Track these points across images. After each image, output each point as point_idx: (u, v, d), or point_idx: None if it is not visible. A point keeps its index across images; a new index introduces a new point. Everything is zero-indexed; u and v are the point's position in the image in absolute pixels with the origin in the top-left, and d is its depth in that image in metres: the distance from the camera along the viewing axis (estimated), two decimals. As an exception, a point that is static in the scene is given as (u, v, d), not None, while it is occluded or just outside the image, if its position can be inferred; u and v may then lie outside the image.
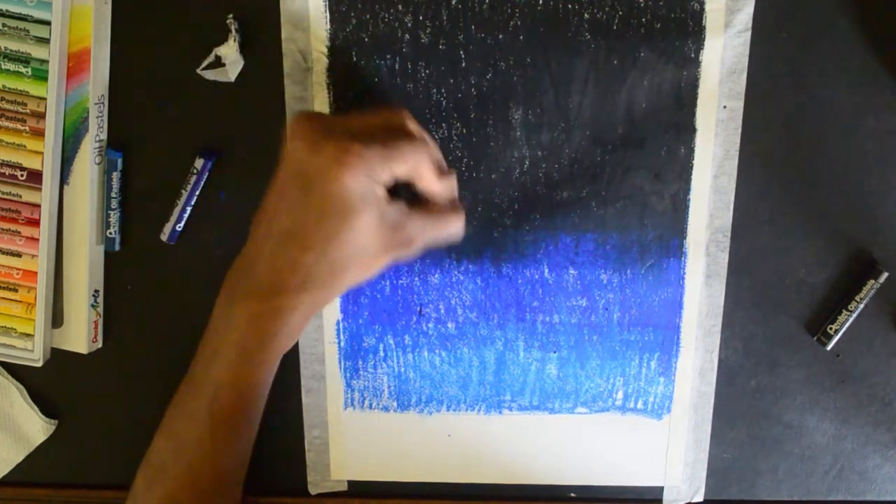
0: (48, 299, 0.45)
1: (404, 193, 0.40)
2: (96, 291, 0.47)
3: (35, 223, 0.44)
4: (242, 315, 0.40)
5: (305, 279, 0.39)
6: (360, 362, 0.48)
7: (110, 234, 0.46)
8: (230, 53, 0.43)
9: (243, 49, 0.43)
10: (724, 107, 0.43)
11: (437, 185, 0.40)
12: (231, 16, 0.43)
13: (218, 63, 0.43)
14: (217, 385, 0.41)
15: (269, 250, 0.39)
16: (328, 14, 0.43)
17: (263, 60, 0.44)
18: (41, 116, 0.43)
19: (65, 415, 0.50)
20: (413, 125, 0.40)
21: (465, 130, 0.44)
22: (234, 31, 0.42)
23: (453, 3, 0.42)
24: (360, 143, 0.37)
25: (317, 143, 0.37)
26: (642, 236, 0.45)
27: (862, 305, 0.45)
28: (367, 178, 0.37)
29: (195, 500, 0.42)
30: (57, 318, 0.46)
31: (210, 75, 0.43)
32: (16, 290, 0.45)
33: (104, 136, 0.45)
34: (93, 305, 0.47)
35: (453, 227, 0.42)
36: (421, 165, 0.39)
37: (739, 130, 0.44)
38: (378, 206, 0.38)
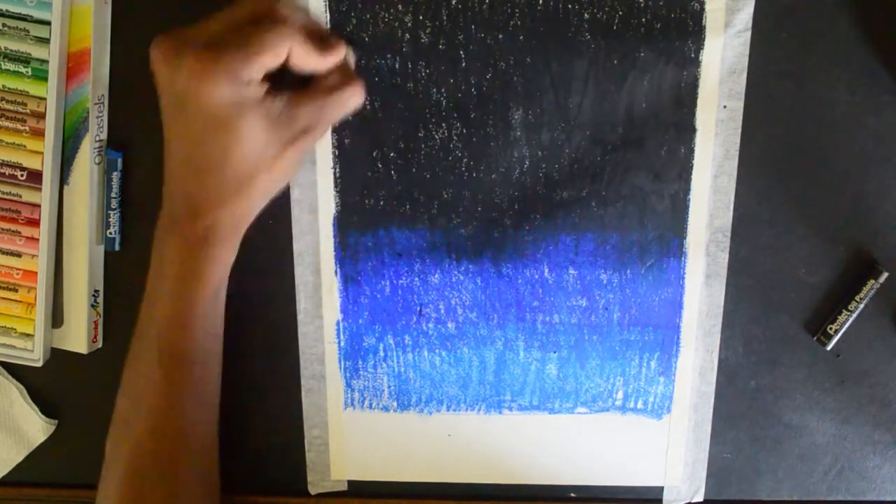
0: (48, 299, 0.45)
1: (290, 77, 0.39)
2: (96, 291, 0.47)
3: (35, 223, 0.44)
4: (172, 247, 0.40)
5: (217, 197, 0.39)
6: (360, 362, 0.48)
7: (110, 234, 0.46)
8: None
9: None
10: (724, 107, 0.43)
11: (316, 61, 0.39)
12: None
13: None
14: (160, 324, 0.41)
15: (176, 180, 0.40)
16: (328, 14, 0.43)
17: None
18: (41, 116, 0.43)
19: (65, 415, 0.50)
20: (281, 7, 0.39)
21: (465, 130, 0.44)
22: None
23: (453, 3, 0.42)
24: (215, 49, 0.36)
25: (174, 61, 0.37)
26: (642, 236, 0.45)
27: (862, 305, 0.45)
28: (231, 83, 0.36)
29: (161, 451, 0.42)
30: (57, 318, 0.46)
31: None
32: (16, 290, 0.45)
33: (104, 136, 0.45)
34: (93, 305, 0.47)
35: (350, 100, 0.41)
36: (291, 48, 0.38)
37: (739, 130, 0.44)
38: (257, 107, 0.37)
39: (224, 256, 0.41)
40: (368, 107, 0.44)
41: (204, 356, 0.42)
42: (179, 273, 0.40)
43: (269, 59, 0.38)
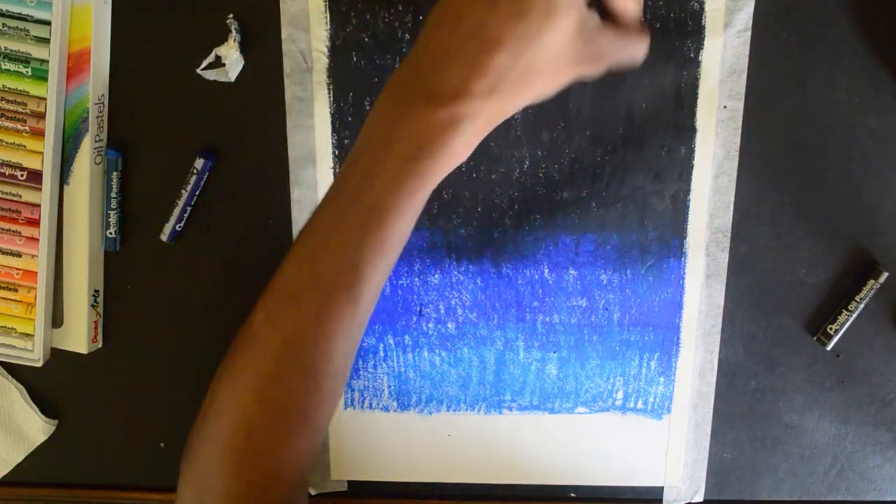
0: (48, 299, 0.45)
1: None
2: (96, 291, 0.47)
3: (35, 223, 0.44)
4: (417, 124, 0.34)
5: (495, 84, 0.34)
6: (360, 362, 0.48)
7: (110, 234, 0.46)
8: (230, 53, 0.43)
9: (243, 49, 0.43)
10: (724, 107, 0.43)
11: (631, 2, 0.37)
12: (231, 16, 0.43)
13: (218, 63, 0.43)
14: (375, 208, 0.35)
15: (454, 49, 0.34)
16: (328, 14, 0.43)
17: (263, 60, 0.44)
18: (41, 116, 0.43)
19: (65, 415, 0.50)
20: None
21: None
22: (234, 31, 0.42)
23: (453, 3, 0.42)
24: None
25: None
26: (642, 236, 0.45)
27: (862, 305, 0.45)
28: None
29: (323, 342, 0.36)
30: (57, 318, 0.46)
31: (210, 75, 0.43)
32: (16, 290, 0.45)
33: (104, 136, 0.45)
34: (93, 305, 0.47)
35: (639, 49, 0.38)
36: None
37: (739, 130, 0.44)
38: (580, 12, 0.34)
39: (465, 151, 0.36)
40: (368, 107, 0.44)
41: (397, 252, 0.37)
42: (416, 155, 0.34)
43: None
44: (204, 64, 0.43)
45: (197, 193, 0.45)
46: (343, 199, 0.36)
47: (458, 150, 0.35)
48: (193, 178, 0.45)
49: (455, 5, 0.35)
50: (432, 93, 0.34)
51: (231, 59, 0.43)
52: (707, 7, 0.42)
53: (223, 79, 0.43)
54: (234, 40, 0.43)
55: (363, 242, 0.35)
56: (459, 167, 0.44)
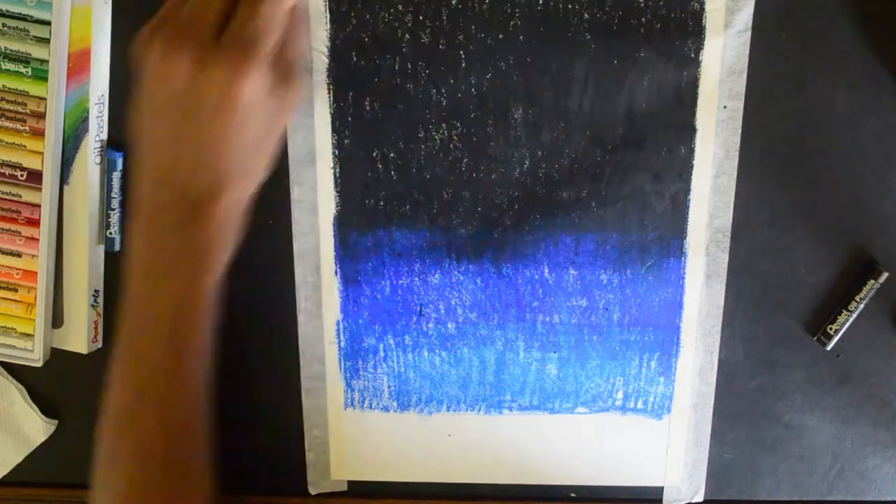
0: (48, 299, 0.45)
1: None
2: (96, 291, 0.47)
3: (35, 223, 0.44)
4: (173, 235, 0.39)
5: (229, 178, 0.39)
6: (360, 362, 0.48)
7: (110, 234, 0.46)
8: None
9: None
10: (724, 107, 0.43)
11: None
12: None
13: None
14: (178, 302, 0.40)
15: (171, 167, 0.39)
16: (328, 14, 0.43)
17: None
18: (41, 116, 0.43)
19: (65, 415, 0.50)
20: None
21: (465, 130, 0.44)
22: None
23: (453, 3, 0.42)
24: (243, 42, 0.37)
25: (183, 57, 0.37)
26: (642, 236, 0.45)
27: (862, 305, 0.45)
28: (263, 73, 0.37)
29: (169, 449, 0.41)
30: (57, 318, 0.46)
31: None
32: (16, 290, 0.45)
33: (104, 136, 0.45)
34: (93, 305, 0.47)
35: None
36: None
37: (739, 130, 0.44)
38: (268, 83, 0.38)
39: (233, 238, 0.41)
40: (368, 107, 0.44)
41: (209, 345, 0.42)
42: (189, 259, 0.39)
43: (279, 34, 0.38)
44: None
45: (197, 193, 0.45)
46: (136, 313, 0.41)
47: (229, 236, 0.41)
48: (193, 178, 0.45)
49: (159, 129, 0.39)
50: (173, 202, 0.39)
51: None
52: (707, 7, 0.42)
53: None
54: None
55: (174, 344, 0.40)
56: (460, 167, 0.44)
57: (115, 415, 0.41)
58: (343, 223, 0.46)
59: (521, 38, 0.42)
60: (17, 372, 0.49)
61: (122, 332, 0.41)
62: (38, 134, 0.43)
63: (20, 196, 0.44)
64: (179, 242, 0.39)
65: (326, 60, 0.43)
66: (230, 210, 0.40)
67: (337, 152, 0.45)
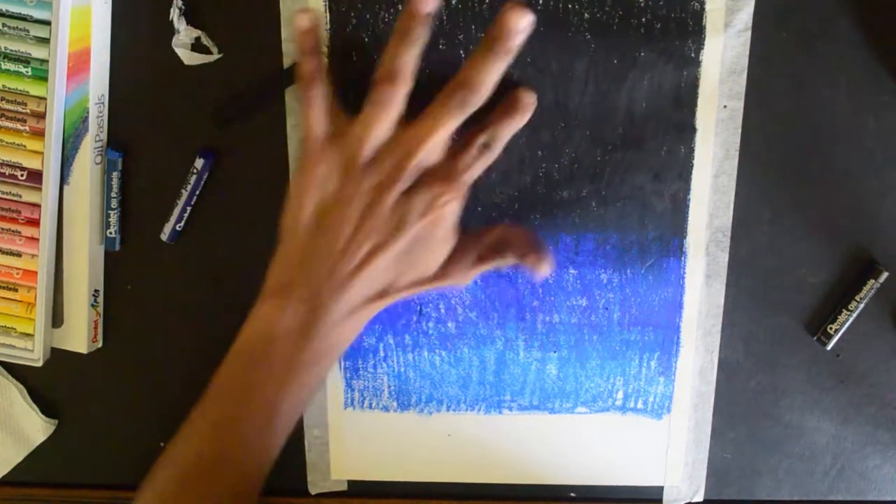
0: (48, 299, 0.45)
1: None
2: (96, 291, 0.47)
3: (35, 223, 0.44)
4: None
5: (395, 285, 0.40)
6: (360, 362, 0.48)
7: (110, 234, 0.46)
8: (180, 26, 0.42)
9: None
10: (724, 107, 0.43)
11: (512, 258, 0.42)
12: None
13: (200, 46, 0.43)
14: (240, 402, 0.39)
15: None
16: (328, 14, 0.43)
17: (263, 60, 0.44)
18: (41, 116, 0.43)
19: (65, 415, 0.50)
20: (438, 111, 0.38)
21: (465, 130, 0.44)
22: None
23: (453, 3, 0.42)
24: (448, 177, 0.38)
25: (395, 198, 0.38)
26: (642, 236, 0.45)
27: (862, 305, 0.45)
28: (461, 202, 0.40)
29: None
30: (57, 318, 0.46)
31: (188, 57, 0.43)
32: (16, 290, 0.45)
33: (104, 136, 0.45)
34: (93, 305, 0.47)
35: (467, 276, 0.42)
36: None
37: (739, 130, 0.44)
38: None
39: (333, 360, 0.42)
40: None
41: (267, 446, 0.41)
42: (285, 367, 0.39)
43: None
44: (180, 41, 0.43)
45: (197, 193, 0.45)
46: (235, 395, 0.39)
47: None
48: (193, 178, 0.45)
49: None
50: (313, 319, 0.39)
51: (182, 30, 0.43)
52: (707, 7, 0.42)
53: (193, 60, 0.43)
54: (176, 6, 0.42)
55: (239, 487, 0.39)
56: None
57: (168, 476, 0.40)
58: (343, 223, 0.46)
59: (521, 37, 0.42)
60: (17, 372, 0.49)
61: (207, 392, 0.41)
62: (38, 134, 0.43)
63: (20, 196, 0.44)
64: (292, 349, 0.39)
65: (326, 60, 0.43)
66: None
67: (337, 152, 0.45)
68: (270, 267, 0.40)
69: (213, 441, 0.39)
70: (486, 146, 0.40)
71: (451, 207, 0.38)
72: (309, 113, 0.39)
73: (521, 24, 0.37)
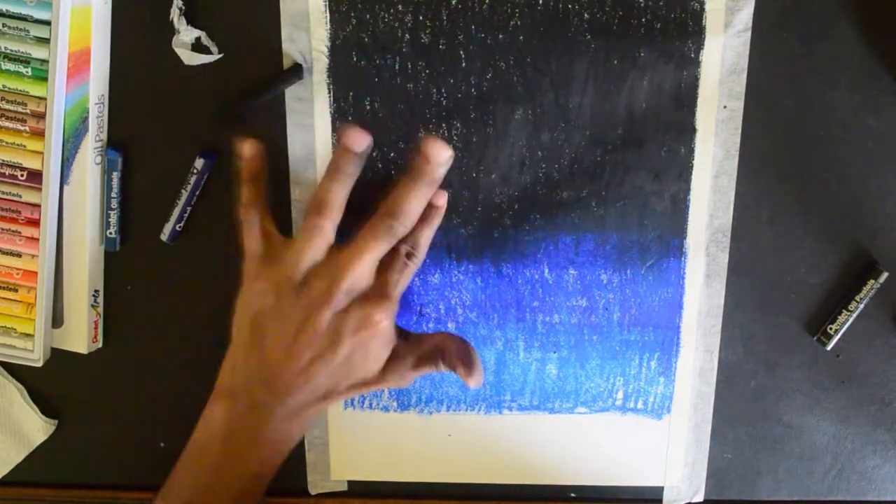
0: (48, 299, 0.45)
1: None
2: (96, 291, 0.47)
3: (35, 223, 0.44)
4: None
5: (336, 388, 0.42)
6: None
7: (110, 234, 0.46)
8: (180, 26, 0.42)
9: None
10: (724, 107, 0.43)
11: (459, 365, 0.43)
12: None
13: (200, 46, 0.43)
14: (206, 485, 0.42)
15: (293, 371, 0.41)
16: (328, 14, 0.43)
17: (263, 60, 0.44)
18: (41, 116, 0.43)
19: (65, 415, 0.50)
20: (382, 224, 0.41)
21: (465, 130, 0.44)
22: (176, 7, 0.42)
23: (453, 3, 0.42)
24: (379, 295, 0.40)
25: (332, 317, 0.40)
26: (642, 236, 0.45)
27: (862, 305, 0.45)
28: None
29: None
30: (57, 318, 0.46)
31: (188, 58, 0.43)
32: (16, 290, 0.45)
33: (104, 136, 0.45)
34: (93, 305, 0.47)
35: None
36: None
37: (739, 130, 0.44)
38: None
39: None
40: (368, 107, 0.44)
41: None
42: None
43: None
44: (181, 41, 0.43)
45: (197, 193, 0.45)
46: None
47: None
48: (193, 178, 0.45)
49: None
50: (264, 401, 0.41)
51: (183, 31, 0.43)
52: (707, 7, 0.42)
53: (192, 61, 0.43)
54: (176, 6, 0.42)
55: None
56: (459, 167, 0.44)
57: None
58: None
59: (521, 38, 0.42)
60: (17, 372, 0.49)
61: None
62: (38, 134, 0.43)
63: (20, 196, 0.44)
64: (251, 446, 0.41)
65: (326, 60, 0.43)
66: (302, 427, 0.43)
67: (337, 152, 0.45)
68: (222, 367, 0.42)
69: None
70: (410, 255, 0.42)
71: (384, 323, 0.40)
72: (247, 234, 0.42)
73: (443, 156, 0.39)
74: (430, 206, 0.42)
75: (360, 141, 0.40)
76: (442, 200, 0.43)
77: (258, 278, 0.41)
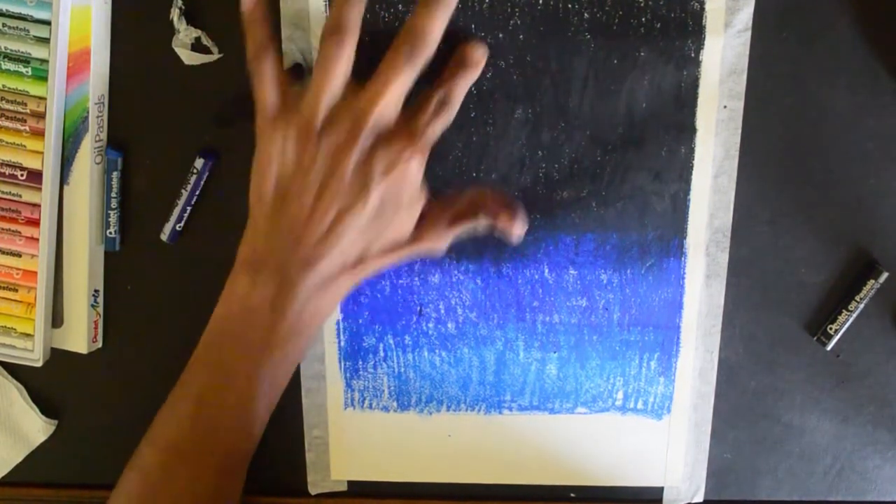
0: (48, 299, 0.45)
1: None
2: (96, 291, 0.47)
3: (35, 223, 0.44)
4: (265, 299, 0.39)
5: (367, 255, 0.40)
6: (360, 362, 0.48)
7: (110, 234, 0.46)
8: (180, 26, 0.42)
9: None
10: (725, 107, 0.43)
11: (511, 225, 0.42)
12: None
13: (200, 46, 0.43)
14: (229, 428, 0.40)
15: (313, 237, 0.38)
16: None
17: (263, 60, 0.44)
18: (41, 116, 0.43)
19: (65, 415, 0.50)
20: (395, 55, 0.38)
21: (465, 130, 0.44)
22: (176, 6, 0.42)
23: (453, 2, 0.42)
24: (414, 135, 0.38)
25: (359, 156, 0.37)
26: (642, 236, 0.45)
27: (862, 305, 0.45)
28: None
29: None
30: (57, 318, 0.46)
31: (188, 58, 0.43)
32: (16, 290, 0.45)
33: (104, 136, 0.45)
34: (93, 305, 0.47)
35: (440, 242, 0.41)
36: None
37: (739, 130, 0.44)
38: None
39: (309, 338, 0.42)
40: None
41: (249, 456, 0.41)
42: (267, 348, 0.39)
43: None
44: (180, 41, 0.43)
45: (197, 193, 0.45)
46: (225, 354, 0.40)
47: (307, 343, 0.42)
48: (193, 178, 0.45)
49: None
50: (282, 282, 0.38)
51: (182, 31, 0.43)
52: (707, 7, 0.42)
53: (193, 61, 0.43)
54: (176, 6, 0.42)
55: (227, 461, 0.40)
56: (459, 167, 0.44)
57: (148, 462, 0.41)
58: (343, 223, 0.46)
59: (521, 37, 0.42)
60: (17, 372, 0.49)
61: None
62: (38, 134, 0.43)
63: (20, 196, 0.44)
64: (260, 304, 0.39)
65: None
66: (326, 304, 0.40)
67: (337, 152, 0.45)
68: (242, 241, 0.40)
69: (194, 419, 0.40)
70: (443, 103, 0.39)
71: (413, 164, 0.38)
72: (259, 85, 0.39)
73: None
74: (465, 59, 0.39)
75: None
76: (479, 53, 0.40)
77: (275, 132, 0.38)
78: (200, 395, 0.40)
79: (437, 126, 0.39)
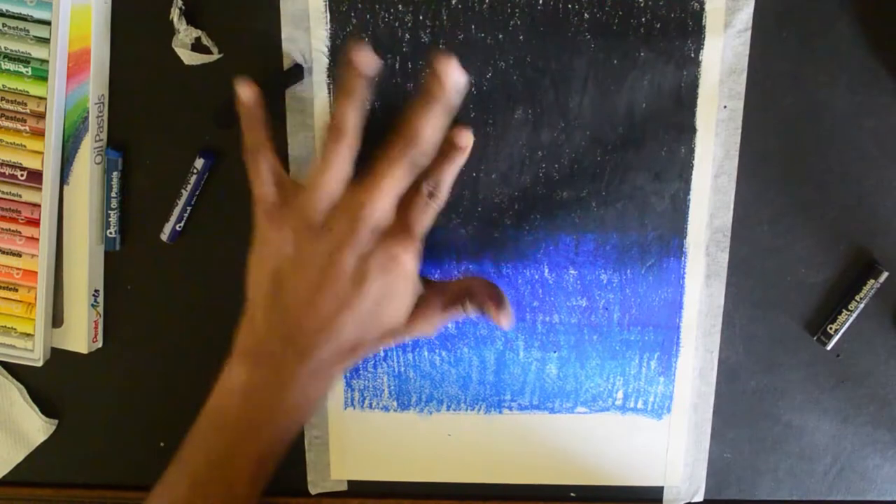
0: (48, 299, 0.45)
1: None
2: (96, 291, 0.47)
3: (35, 223, 0.44)
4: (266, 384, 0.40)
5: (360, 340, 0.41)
6: (360, 362, 0.48)
7: (110, 234, 0.46)
8: (180, 26, 0.42)
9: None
10: (724, 107, 0.43)
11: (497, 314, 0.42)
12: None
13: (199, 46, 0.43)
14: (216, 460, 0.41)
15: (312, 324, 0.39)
16: (328, 14, 0.43)
17: (263, 60, 0.44)
18: (41, 116, 0.43)
19: (65, 415, 0.50)
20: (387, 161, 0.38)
21: (465, 130, 0.44)
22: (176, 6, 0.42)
23: (453, 3, 0.42)
24: (406, 232, 0.39)
25: (358, 256, 0.38)
26: (642, 236, 0.45)
27: (862, 305, 0.45)
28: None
29: None
30: (57, 318, 0.46)
31: (188, 58, 0.43)
32: (16, 290, 0.46)
33: (104, 136, 0.45)
34: (93, 305, 0.47)
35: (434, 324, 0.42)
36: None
37: (739, 130, 0.44)
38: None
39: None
40: (369, 107, 0.44)
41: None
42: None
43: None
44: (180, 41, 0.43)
45: (197, 193, 0.45)
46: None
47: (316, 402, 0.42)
48: (193, 178, 0.45)
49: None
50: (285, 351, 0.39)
51: (182, 31, 0.43)
52: (707, 7, 0.42)
53: (193, 62, 0.43)
54: (176, 6, 0.42)
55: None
56: (461, 167, 0.44)
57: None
58: (343, 223, 0.46)
59: (521, 38, 0.42)
60: (17, 372, 0.49)
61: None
62: (38, 134, 0.43)
63: (20, 196, 0.44)
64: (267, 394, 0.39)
65: (326, 60, 0.43)
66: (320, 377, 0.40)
67: (337, 152, 0.45)
68: (237, 331, 0.41)
69: (190, 500, 0.40)
70: (432, 195, 0.40)
71: (409, 258, 0.39)
72: (256, 181, 0.40)
73: (456, 78, 0.37)
74: (452, 146, 0.40)
75: (370, 63, 0.37)
76: (465, 141, 0.40)
77: (273, 227, 0.39)
78: (194, 478, 0.40)
79: (428, 218, 0.40)
